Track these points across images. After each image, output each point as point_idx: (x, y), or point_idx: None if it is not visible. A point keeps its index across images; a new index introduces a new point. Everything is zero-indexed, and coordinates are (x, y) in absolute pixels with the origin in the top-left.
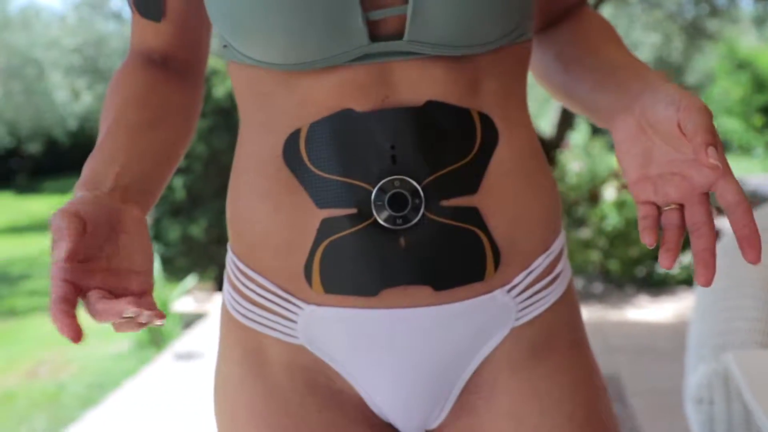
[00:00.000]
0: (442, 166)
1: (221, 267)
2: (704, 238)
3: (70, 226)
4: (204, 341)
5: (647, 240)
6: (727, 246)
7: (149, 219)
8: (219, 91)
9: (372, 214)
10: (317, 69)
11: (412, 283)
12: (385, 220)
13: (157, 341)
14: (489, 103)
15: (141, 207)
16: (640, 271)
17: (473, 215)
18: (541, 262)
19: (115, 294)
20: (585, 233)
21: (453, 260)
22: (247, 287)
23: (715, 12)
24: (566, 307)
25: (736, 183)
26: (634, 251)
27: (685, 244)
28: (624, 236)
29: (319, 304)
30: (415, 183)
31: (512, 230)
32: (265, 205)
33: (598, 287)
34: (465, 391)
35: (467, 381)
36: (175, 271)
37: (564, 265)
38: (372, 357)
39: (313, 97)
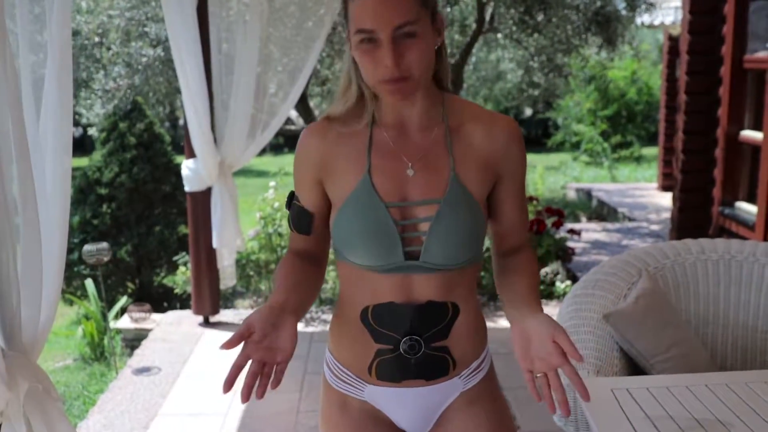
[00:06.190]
0: (432, 328)
1: (142, 285)
2: (560, 392)
3: (240, 330)
4: (155, 357)
5: (536, 396)
6: (574, 297)
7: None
8: (139, 126)
9: (399, 350)
10: (379, 272)
11: (416, 378)
12: (405, 353)
13: (98, 356)
14: (455, 295)
15: (295, 316)
16: None
17: (445, 350)
18: (474, 364)
19: (267, 360)
20: None
21: (434, 368)
22: (338, 371)
23: (568, 51)
24: (487, 381)
25: (571, 366)
26: None
27: (547, 258)
28: None
29: (374, 384)
30: (420, 338)
31: (462, 353)
32: (350, 337)
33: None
34: (439, 419)
35: (440, 415)
36: (105, 289)
37: (486, 360)
38: (398, 406)
39: (375, 288)
